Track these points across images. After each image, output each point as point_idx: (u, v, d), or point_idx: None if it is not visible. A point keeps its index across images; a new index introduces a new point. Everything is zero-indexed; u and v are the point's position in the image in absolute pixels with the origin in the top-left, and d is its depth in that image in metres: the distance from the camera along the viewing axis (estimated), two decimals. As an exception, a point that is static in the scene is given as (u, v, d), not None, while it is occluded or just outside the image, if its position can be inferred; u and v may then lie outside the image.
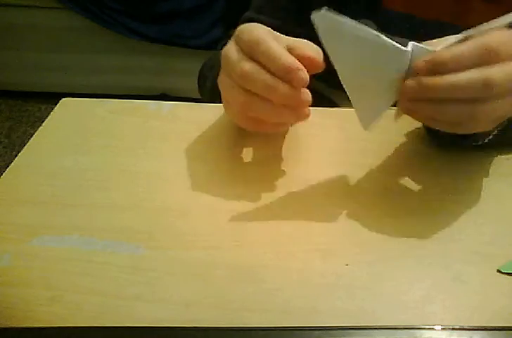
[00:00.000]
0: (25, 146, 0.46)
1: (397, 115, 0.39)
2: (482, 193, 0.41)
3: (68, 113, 0.51)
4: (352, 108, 0.38)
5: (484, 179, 0.43)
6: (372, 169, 0.44)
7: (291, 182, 0.42)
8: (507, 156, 0.45)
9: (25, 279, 0.34)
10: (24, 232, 0.37)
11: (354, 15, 0.57)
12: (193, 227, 0.38)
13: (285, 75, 0.35)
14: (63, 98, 0.53)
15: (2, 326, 0.31)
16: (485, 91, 0.33)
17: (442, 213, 0.40)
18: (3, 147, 1.68)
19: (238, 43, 0.38)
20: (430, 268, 0.35)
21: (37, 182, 0.42)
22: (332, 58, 0.36)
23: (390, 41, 0.33)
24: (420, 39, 0.54)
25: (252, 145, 0.45)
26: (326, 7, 0.33)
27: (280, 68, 0.35)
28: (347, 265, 0.35)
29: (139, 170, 0.43)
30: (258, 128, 0.41)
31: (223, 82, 0.40)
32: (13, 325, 0.31)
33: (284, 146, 0.46)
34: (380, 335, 0.30)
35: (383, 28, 0.56)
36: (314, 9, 0.51)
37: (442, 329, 0.30)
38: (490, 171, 0.44)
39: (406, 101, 0.36)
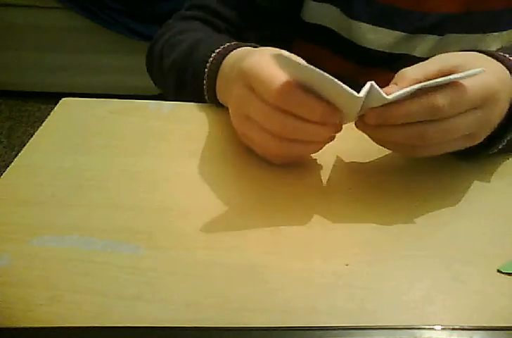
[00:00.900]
0: (25, 146, 0.46)
1: None
2: (482, 193, 0.42)
3: (68, 113, 0.51)
4: None
5: (484, 179, 0.43)
6: (372, 169, 0.44)
7: (291, 182, 0.42)
8: (507, 156, 0.45)
9: (25, 279, 0.34)
10: (24, 232, 0.37)
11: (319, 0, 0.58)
12: (193, 227, 0.38)
13: (323, 120, 0.36)
14: (63, 98, 0.53)
15: (2, 326, 0.31)
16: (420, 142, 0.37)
17: (442, 213, 0.40)
18: (3, 147, 1.68)
19: (254, 89, 0.38)
20: (430, 268, 0.35)
21: (37, 182, 0.42)
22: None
23: (343, 86, 0.35)
24: (380, 24, 0.55)
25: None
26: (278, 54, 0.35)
27: (318, 116, 0.36)
28: (347, 265, 0.35)
29: (139, 170, 0.43)
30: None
31: (247, 129, 0.40)
32: (12, 325, 0.31)
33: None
34: (380, 335, 0.30)
35: (348, 14, 0.57)
36: None
37: (442, 329, 0.30)
38: (490, 171, 0.44)
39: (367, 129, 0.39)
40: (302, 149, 0.40)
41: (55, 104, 0.52)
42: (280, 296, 0.33)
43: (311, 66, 0.34)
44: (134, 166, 0.44)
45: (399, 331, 0.30)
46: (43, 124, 0.49)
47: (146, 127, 0.49)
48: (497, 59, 0.39)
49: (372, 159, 0.45)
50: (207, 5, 0.60)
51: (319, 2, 0.58)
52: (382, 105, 0.36)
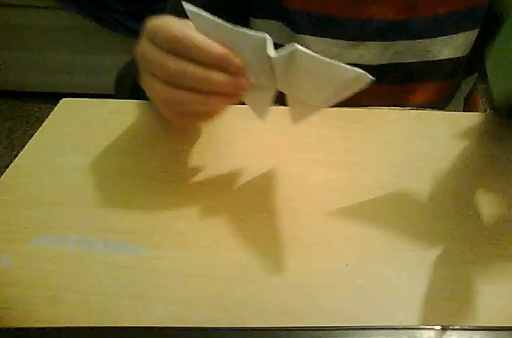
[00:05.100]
0: (25, 146, 0.46)
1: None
2: (483, 192, 0.42)
3: (68, 113, 0.51)
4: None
5: (485, 179, 0.43)
6: (371, 169, 0.44)
7: (291, 182, 0.42)
8: (507, 156, 0.45)
9: (25, 280, 0.34)
10: (24, 232, 0.37)
11: (259, 16, 0.59)
12: (193, 227, 0.38)
13: (219, 64, 0.34)
14: (63, 98, 0.53)
15: (2, 326, 0.31)
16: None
17: (442, 213, 0.40)
18: (3, 147, 1.68)
19: (153, 40, 0.36)
20: (430, 268, 0.35)
21: (37, 182, 0.42)
22: None
23: (246, 30, 0.33)
24: (323, 35, 0.57)
25: (252, 145, 0.45)
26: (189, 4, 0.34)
27: (213, 58, 0.33)
28: (347, 265, 0.35)
29: (139, 170, 0.43)
30: (192, 122, 0.40)
31: (146, 81, 0.38)
32: (12, 325, 0.31)
33: (283, 147, 0.46)
34: (380, 335, 0.30)
35: (292, 28, 0.57)
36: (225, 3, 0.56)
37: (442, 329, 0.30)
38: (490, 171, 0.44)
39: None
40: (192, 99, 0.35)
41: (55, 104, 0.52)
42: (280, 296, 0.33)
43: (221, 20, 0.33)
44: (134, 166, 0.44)
45: (399, 331, 0.30)
46: (43, 124, 0.49)
47: (146, 127, 0.49)
48: None
49: (371, 159, 0.45)
50: None
51: (262, 19, 0.59)
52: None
